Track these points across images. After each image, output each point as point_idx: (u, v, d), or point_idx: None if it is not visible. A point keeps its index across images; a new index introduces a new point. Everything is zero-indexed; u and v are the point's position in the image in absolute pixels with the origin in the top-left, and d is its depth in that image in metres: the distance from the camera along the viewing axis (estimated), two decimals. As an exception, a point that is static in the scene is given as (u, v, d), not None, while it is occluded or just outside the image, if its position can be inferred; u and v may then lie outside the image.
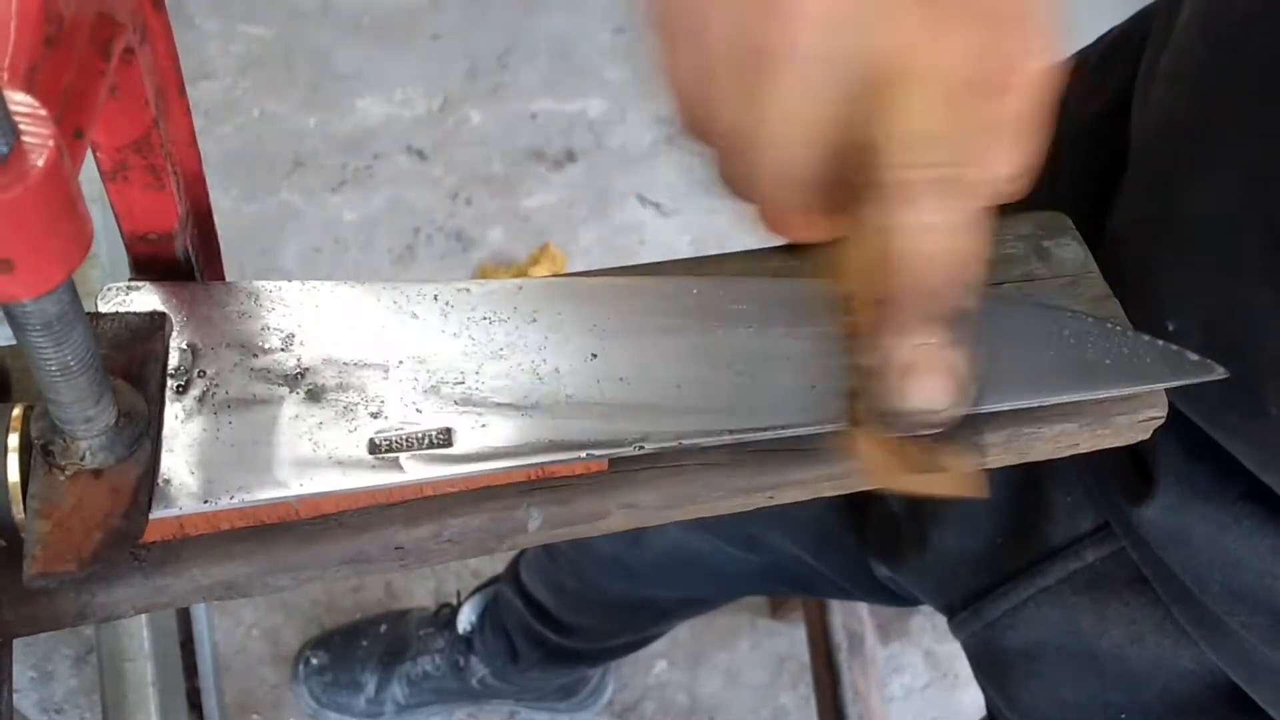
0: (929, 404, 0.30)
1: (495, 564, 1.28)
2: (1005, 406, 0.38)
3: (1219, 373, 0.39)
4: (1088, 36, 0.62)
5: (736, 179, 0.33)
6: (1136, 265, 0.47)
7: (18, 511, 0.30)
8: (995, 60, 0.29)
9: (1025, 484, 0.59)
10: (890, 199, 0.29)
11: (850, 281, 0.32)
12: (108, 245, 0.79)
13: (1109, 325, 0.39)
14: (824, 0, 0.28)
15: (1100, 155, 0.54)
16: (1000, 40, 0.29)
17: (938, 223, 0.28)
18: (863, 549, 0.72)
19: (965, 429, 0.35)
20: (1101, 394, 0.39)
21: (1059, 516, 0.57)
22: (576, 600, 1.04)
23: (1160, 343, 0.39)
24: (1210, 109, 0.45)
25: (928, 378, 0.30)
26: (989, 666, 0.64)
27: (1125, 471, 0.52)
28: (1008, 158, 0.29)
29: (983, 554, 0.62)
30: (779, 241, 0.36)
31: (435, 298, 0.37)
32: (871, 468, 0.33)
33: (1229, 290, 0.43)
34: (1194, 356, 0.39)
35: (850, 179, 0.30)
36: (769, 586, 1.08)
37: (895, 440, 0.33)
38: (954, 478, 0.34)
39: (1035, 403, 0.38)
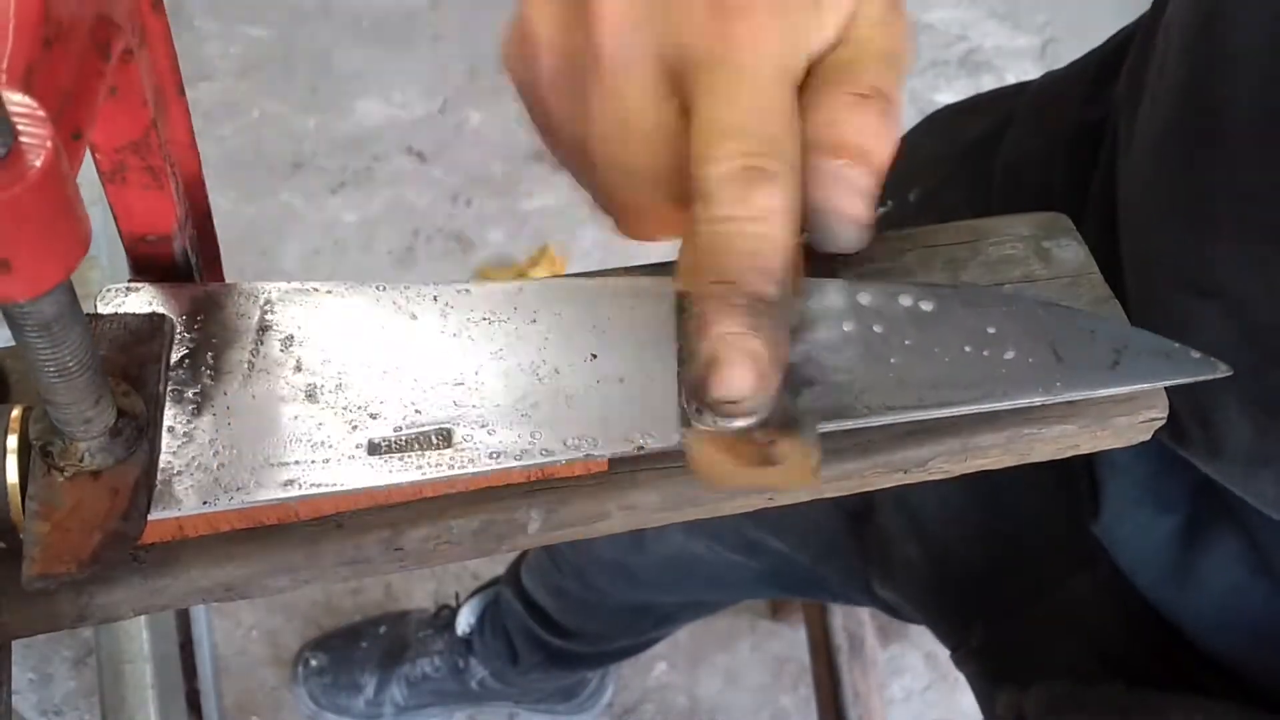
0: (730, 393, 0.30)
1: (495, 566, 1.28)
2: (1004, 406, 0.37)
3: (1222, 370, 0.38)
4: (1095, 40, 0.62)
5: (592, 189, 0.34)
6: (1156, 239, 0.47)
7: (16, 513, 0.30)
8: (789, 45, 0.29)
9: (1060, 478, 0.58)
10: (697, 190, 0.29)
11: (683, 278, 0.33)
12: (108, 247, 0.79)
13: (1109, 322, 0.39)
14: (619, 2, 0.29)
15: (1097, 161, 0.54)
16: (792, 25, 0.29)
17: (737, 213, 0.29)
18: (865, 564, 0.71)
19: (806, 420, 0.34)
20: (1102, 392, 0.38)
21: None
22: (577, 604, 1.04)
23: (1162, 339, 0.38)
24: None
25: (728, 367, 0.30)
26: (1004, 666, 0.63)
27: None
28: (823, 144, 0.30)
29: (1023, 556, 0.61)
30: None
31: (435, 299, 0.37)
32: (703, 467, 0.33)
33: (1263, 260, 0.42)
34: (1197, 354, 0.38)
35: (687, 174, 0.30)
36: (769, 591, 1.08)
37: (727, 437, 0.33)
38: (788, 470, 0.32)
39: (1038, 401, 0.38)
